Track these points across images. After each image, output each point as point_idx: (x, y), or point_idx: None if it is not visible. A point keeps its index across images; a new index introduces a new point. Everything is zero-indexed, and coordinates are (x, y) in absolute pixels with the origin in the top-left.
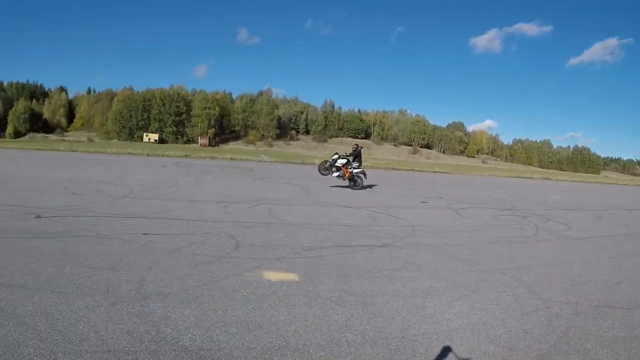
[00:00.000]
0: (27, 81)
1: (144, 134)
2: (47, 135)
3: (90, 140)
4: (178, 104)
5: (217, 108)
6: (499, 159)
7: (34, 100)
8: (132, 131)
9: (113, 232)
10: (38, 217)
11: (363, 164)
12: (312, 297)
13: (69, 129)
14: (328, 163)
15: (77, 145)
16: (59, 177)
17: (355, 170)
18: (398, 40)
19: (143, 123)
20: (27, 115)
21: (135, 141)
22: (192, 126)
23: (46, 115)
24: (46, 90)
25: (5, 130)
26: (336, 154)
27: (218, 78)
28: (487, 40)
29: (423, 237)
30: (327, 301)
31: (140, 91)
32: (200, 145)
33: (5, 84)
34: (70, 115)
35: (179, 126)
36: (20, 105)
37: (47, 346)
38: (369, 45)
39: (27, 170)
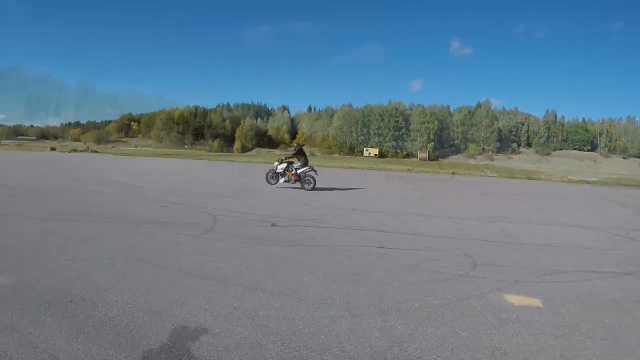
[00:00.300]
0: (252, 102)
1: (364, 148)
2: (271, 150)
3: (312, 154)
4: (397, 119)
5: (435, 122)
6: None
7: (259, 119)
8: (353, 146)
9: (348, 243)
10: (273, 225)
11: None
12: (558, 326)
13: (292, 144)
14: (272, 172)
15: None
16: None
17: (299, 170)
18: (619, 36)
19: (363, 138)
20: (252, 132)
21: (356, 155)
22: (411, 140)
23: (270, 132)
24: (269, 109)
25: (234, 145)
26: (277, 161)
27: (434, 92)
28: None
29: None
30: (574, 333)
31: (359, 107)
32: (420, 159)
33: (232, 105)
34: (293, 131)
35: (398, 140)
36: (247, 123)
37: (289, 351)
38: (589, 44)
39: (256, 182)
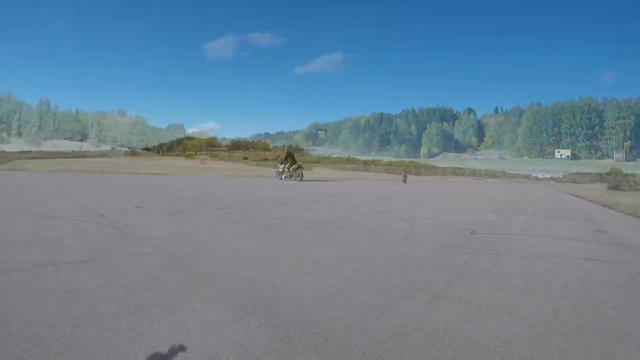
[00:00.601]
0: (437, 106)
1: (555, 150)
2: (459, 154)
3: (501, 158)
4: (589, 116)
5: (632, 117)
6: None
7: (445, 123)
8: (543, 147)
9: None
10: (473, 232)
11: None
12: None
13: (480, 147)
14: (277, 172)
15: (489, 164)
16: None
17: (291, 168)
18: None
19: (554, 139)
20: (439, 137)
21: (546, 157)
22: (606, 139)
23: (457, 135)
24: (455, 112)
25: (420, 150)
26: (279, 163)
27: (629, 81)
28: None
29: None
30: None
31: (548, 106)
32: (616, 160)
33: (417, 110)
34: (480, 134)
35: (592, 140)
36: (433, 127)
37: None
38: None
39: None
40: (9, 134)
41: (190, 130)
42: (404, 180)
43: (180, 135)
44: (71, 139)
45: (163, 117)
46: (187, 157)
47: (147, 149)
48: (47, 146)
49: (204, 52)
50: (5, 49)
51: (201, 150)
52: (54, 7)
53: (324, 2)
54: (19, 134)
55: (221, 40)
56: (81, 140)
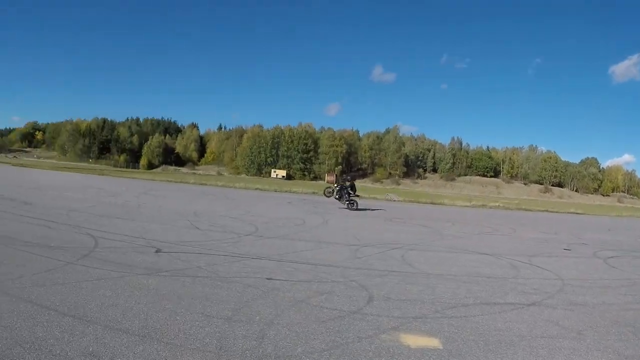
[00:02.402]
0: (162, 118)
1: (272, 170)
2: (178, 168)
3: (219, 174)
4: (306, 142)
5: (344, 146)
6: (635, 197)
7: (168, 135)
8: (261, 167)
9: (234, 274)
10: (158, 251)
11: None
12: None
13: (200, 163)
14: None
15: (206, 179)
16: (184, 210)
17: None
18: (536, 73)
19: (272, 159)
20: (160, 149)
21: (264, 177)
22: (319, 163)
23: (178, 149)
24: (179, 126)
25: (140, 161)
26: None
27: (347, 115)
28: (626, 67)
29: (575, 293)
30: None
31: (269, 129)
32: (327, 182)
33: (141, 119)
34: (202, 150)
35: (306, 163)
36: (155, 139)
37: None
38: (503, 78)
39: (153, 201)
40: (424, 170)
41: (604, 164)
42: None
43: (594, 170)
44: (483, 175)
45: (575, 151)
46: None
47: (559, 185)
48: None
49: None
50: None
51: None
52: None
53: None
54: (434, 170)
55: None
56: (493, 176)
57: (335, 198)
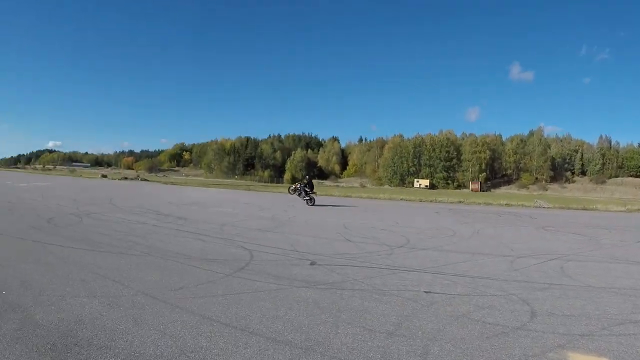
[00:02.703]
0: (303, 133)
1: (414, 179)
2: (321, 181)
3: (362, 186)
4: (448, 149)
5: (487, 151)
6: None
7: (309, 150)
8: (403, 177)
9: (392, 287)
10: (312, 263)
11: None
12: None
13: (342, 175)
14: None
15: (350, 191)
16: (333, 223)
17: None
18: None
19: (414, 169)
20: (303, 163)
21: (406, 187)
22: (462, 171)
23: (320, 163)
24: (320, 140)
25: (284, 176)
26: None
27: (488, 119)
28: None
29: None
30: None
31: (409, 138)
32: (472, 190)
33: (283, 136)
34: (343, 162)
35: (449, 171)
36: (297, 154)
37: None
38: None
39: (301, 214)
40: (572, 173)
41: None
42: None
43: None
44: (636, 175)
45: None
46: None
47: None
48: (613, 184)
49: None
50: None
51: None
52: None
53: None
54: (582, 173)
55: None
56: None
57: (297, 195)
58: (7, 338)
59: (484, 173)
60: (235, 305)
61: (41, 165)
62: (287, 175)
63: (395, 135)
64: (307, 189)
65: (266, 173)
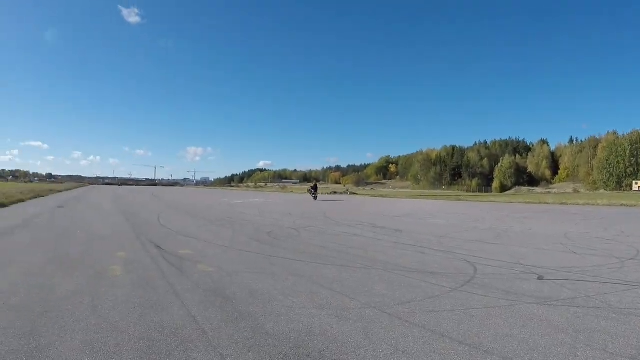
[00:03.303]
0: (509, 137)
1: (633, 181)
2: (532, 188)
3: (576, 191)
4: None
5: None
6: None
7: (517, 155)
8: (620, 179)
9: (628, 305)
10: (540, 278)
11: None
12: None
13: (554, 180)
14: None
15: (565, 198)
16: (553, 233)
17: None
18: None
19: (632, 169)
20: (512, 170)
21: (624, 190)
22: None
23: (530, 168)
24: (528, 144)
25: (492, 184)
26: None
27: None
28: None
29: None
30: None
31: (625, 134)
32: None
33: (489, 142)
34: (554, 166)
35: None
36: (506, 160)
37: None
38: None
39: (518, 224)
40: None
41: None
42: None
43: None
44: None
45: None
46: None
47: None
48: None
49: None
50: None
51: None
52: None
53: None
54: None
55: None
56: None
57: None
58: (239, 346)
59: None
60: (466, 321)
61: (253, 183)
62: (495, 184)
63: (608, 132)
64: (312, 190)
65: (474, 182)
